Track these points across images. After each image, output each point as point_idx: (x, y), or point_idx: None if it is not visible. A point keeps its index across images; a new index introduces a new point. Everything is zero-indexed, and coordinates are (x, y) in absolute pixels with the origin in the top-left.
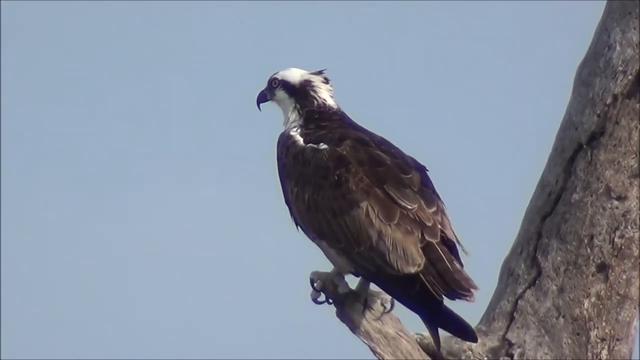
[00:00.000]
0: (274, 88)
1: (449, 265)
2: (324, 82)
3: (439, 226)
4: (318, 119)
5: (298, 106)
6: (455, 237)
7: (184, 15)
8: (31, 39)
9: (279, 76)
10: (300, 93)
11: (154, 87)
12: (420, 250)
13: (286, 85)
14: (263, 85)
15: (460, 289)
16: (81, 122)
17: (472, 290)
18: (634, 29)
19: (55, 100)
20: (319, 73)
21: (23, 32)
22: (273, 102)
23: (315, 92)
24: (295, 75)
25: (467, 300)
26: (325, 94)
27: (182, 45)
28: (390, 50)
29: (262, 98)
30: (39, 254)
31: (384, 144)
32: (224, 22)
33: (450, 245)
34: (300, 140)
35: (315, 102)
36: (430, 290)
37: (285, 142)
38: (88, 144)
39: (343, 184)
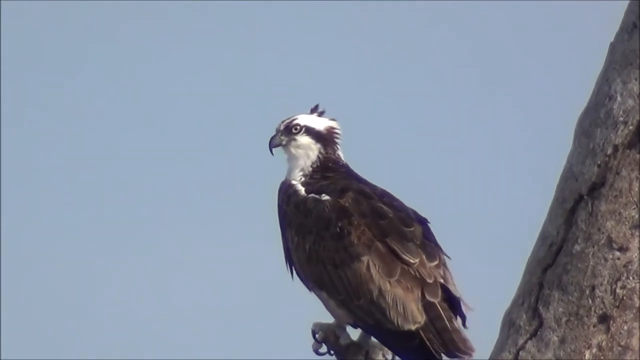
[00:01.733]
0: (294, 133)
1: (448, 325)
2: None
3: (441, 281)
4: (329, 168)
5: (322, 152)
6: (457, 291)
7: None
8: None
9: (301, 121)
10: (326, 139)
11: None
12: (420, 308)
13: (311, 131)
14: (267, 131)
15: (457, 350)
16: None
17: (469, 351)
18: (635, 79)
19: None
20: (334, 121)
21: (25, 35)
22: (285, 148)
23: (338, 138)
24: (316, 121)
25: (464, 359)
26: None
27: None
28: (388, 97)
29: (277, 143)
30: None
31: (385, 196)
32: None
33: (452, 301)
34: (302, 189)
35: (337, 150)
36: (429, 347)
37: (286, 190)
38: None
39: (345, 236)
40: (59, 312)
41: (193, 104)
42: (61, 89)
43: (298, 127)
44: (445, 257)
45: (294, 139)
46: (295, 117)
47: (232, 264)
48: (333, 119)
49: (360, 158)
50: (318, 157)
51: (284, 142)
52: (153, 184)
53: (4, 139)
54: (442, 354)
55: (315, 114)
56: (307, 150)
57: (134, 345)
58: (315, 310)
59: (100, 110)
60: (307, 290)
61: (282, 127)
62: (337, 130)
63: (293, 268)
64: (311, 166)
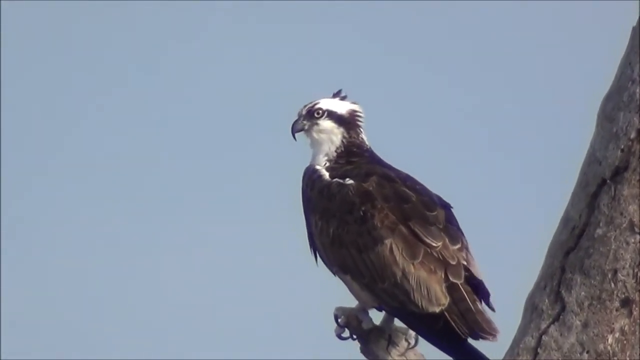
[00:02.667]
0: (317, 117)
1: (472, 306)
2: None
3: (464, 263)
4: (353, 153)
5: (346, 136)
6: (480, 274)
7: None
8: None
9: (324, 106)
10: (349, 123)
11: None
12: (444, 290)
13: (333, 115)
14: (288, 117)
15: (482, 331)
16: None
17: (493, 332)
18: None
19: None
20: (356, 104)
21: (27, 39)
22: (307, 133)
23: (361, 122)
24: (339, 104)
25: (489, 340)
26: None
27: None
28: (419, 89)
29: (300, 128)
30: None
31: (409, 181)
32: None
33: (474, 284)
34: (326, 174)
35: (361, 134)
36: (454, 327)
37: (310, 175)
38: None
39: (368, 220)
40: (71, 310)
41: (211, 96)
42: (64, 86)
43: (320, 112)
44: (467, 241)
45: (317, 124)
46: (317, 102)
47: (254, 247)
48: (355, 103)
49: (383, 143)
50: (342, 141)
51: (306, 127)
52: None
53: (6, 135)
54: (467, 335)
55: (338, 99)
56: (330, 135)
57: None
58: (338, 295)
59: (118, 102)
60: (331, 274)
61: (304, 112)
62: (359, 114)
63: (317, 253)
64: (335, 151)
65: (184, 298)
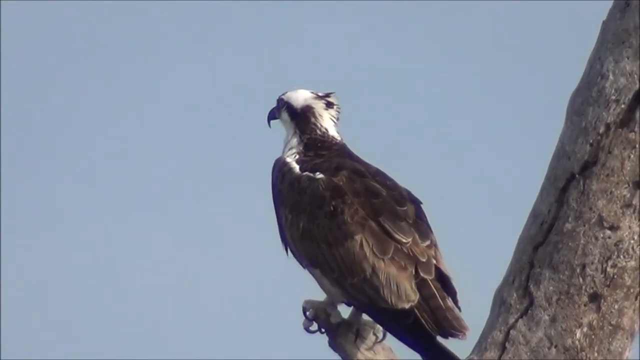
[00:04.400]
0: (280, 108)
1: (442, 303)
2: (326, 109)
3: (433, 261)
4: (319, 147)
5: (298, 131)
6: (448, 272)
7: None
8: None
9: (285, 97)
10: (301, 118)
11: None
12: (414, 286)
13: (289, 108)
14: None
15: (451, 328)
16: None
17: (463, 330)
18: (627, 58)
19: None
20: (325, 97)
21: (25, 34)
22: (280, 122)
23: (316, 119)
24: (299, 98)
25: (458, 338)
26: (327, 123)
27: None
28: (387, 80)
29: (272, 116)
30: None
31: (379, 175)
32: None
33: (444, 281)
34: (296, 167)
35: (317, 130)
36: (423, 324)
37: (281, 168)
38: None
39: (338, 215)
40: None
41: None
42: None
43: (282, 103)
44: (435, 238)
45: (281, 114)
46: (285, 92)
47: (222, 242)
48: (324, 95)
49: (361, 139)
50: (298, 135)
51: (277, 116)
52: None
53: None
54: (437, 333)
55: (315, 94)
56: (288, 127)
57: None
58: (307, 287)
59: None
60: (301, 267)
61: (276, 101)
62: (314, 110)
63: (287, 245)
64: (298, 144)
65: (187, 297)
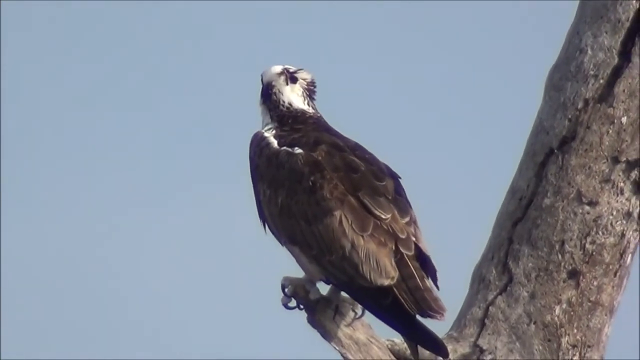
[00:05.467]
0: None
1: (420, 284)
2: (287, 84)
3: (413, 239)
4: (292, 122)
5: (267, 108)
6: (427, 250)
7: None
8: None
9: (262, 72)
10: (267, 95)
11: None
12: (394, 263)
13: (261, 83)
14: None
15: (430, 309)
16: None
17: (441, 311)
18: (606, 32)
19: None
20: (290, 72)
21: (25, 33)
22: None
23: (277, 95)
24: (267, 74)
25: (436, 319)
26: (289, 96)
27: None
28: (367, 60)
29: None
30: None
31: (358, 150)
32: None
33: (423, 259)
34: (275, 142)
35: (280, 106)
36: (402, 304)
37: (258, 142)
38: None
39: (317, 190)
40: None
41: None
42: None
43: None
44: (414, 214)
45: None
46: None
47: (192, 212)
48: (281, 73)
49: (339, 111)
50: (267, 111)
51: None
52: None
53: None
54: (415, 312)
55: (282, 70)
56: (260, 104)
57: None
58: (286, 264)
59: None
60: (279, 244)
61: None
62: (274, 84)
63: (265, 222)
64: (272, 120)
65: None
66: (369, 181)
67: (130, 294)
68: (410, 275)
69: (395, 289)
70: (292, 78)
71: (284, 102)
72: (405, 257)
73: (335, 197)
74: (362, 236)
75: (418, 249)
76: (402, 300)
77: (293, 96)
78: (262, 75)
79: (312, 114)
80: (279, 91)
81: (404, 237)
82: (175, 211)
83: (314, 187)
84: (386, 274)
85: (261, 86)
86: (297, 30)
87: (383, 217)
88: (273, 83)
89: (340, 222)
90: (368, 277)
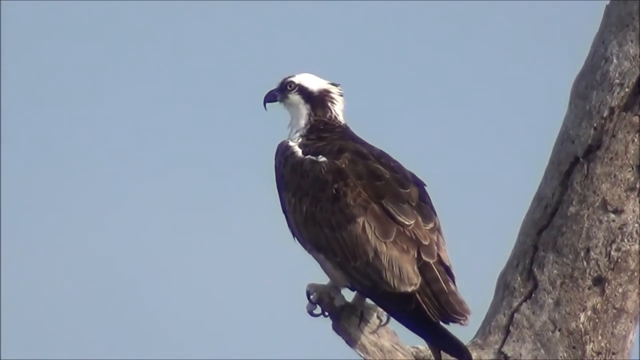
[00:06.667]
0: (288, 91)
1: (445, 287)
2: (340, 95)
3: (435, 246)
4: (322, 129)
5: (312, 113)
6: (448, 259)
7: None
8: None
9: (296, 80)
10: (317, 101)
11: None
12: (416, 270)
13: (303, 91)
14: (271, 86)
15: (454, 312)
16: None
17: (465, 314)
18: (631, 41)
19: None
20: (335, 85)
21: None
22: (281, 104)
23: (332, 103)
24: (314, 81)
25: (460, 324)
26: (338, 108)
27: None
28: (395, 64)
29: (272, 98)
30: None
31: (383, 157)
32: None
33: (445, 266)
34: (299, 151)
35: (329, 113)
36: (425, 311)
37: (283, 152)
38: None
39: (341, 198)
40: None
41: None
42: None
43: (292, 85)
44: (439, 221)
45: (287, 97)
46: (293, 75)
47: (227, 227)
48: (334, 84)
49: (367, 120)
50: (308, 117)
51: (278, 99)
52: None
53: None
54: (439, 319)
55: (328, 82)
56: (297, 110)
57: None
58: (312, 271)
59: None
60: (305, 251)
61: (279, 84)
62: (332, 94)
63: (292, 231)
64: (304, 127)
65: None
66: (392, 188)
67: (157, 296)
68: (434, 279)
69: (418, 295)
70: (341, 92)
71: (334, 111)
72: (430, 262)
73: (358, 204)
74: (385, 243)
75: (439, 258)
76: (425, 307)
77: (339, 108)
78: (300, 80)
79: (342, 124)
80: (336, 100)
81: (427, 243)
82: (201, 220)
83: (337, 195)
84: (409, 280)
85: (299, 89)
86: (319, 36)
87: (407, 223)
88: (330, 91)
89: (364, 228)
90: (391, 283)
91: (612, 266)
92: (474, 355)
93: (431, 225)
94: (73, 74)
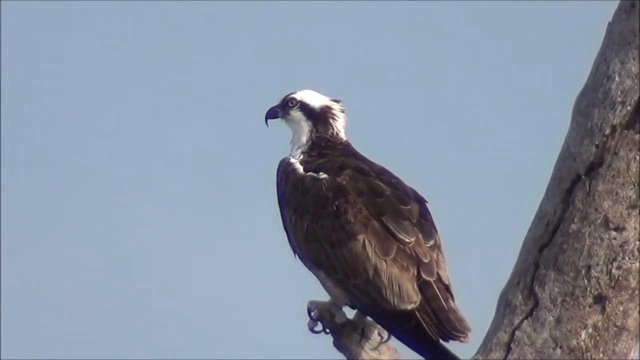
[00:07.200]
0: (289, 107)
1: (445, 305)
2: (341, 112)
3: (435, 264)
4: (324, 146)
5: (313, 130)
6: (447, 278)
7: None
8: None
9: (298, 96)
10: (319, 118)
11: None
12: (416, 288)
13: (304, 107)
14: (273, 102)
15: (454, 329)
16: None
17: (465, 331)
18: (633, 59)
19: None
20: (337, 102)
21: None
22: (283, 121)
23: (333, 119)
24: (315, 98)
25: (460, 341)
26: (340, 124)
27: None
28: (394, 84)
29: (273, 114)
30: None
31: (384, 174)
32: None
33: (445, 285)
34: (300, 168)
35: (330, 130)
36: (425, 329)
37: (285, 168)
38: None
39: (342, 215)
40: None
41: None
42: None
43: (294, 102)
44: (439, 238)
45: (288, 114)
46: (294, 92)
47: (231, 243)
48: (335, 100)
49: (368, 137)
50: (310, 134)
51: (279, 115)
52: None
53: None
54: (439, 337)
55: (329, 99)
56: (299, 126)
57: None
58: (313, 288)
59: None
60: (306, 268)
61: (281, 100)
62: (333, 111)
63: (293, 247)
64: (306, 143)
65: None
66: (393, 205)
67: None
68: (434, 297)
69: (418, 313)
70: (342, 109)
71: (336, 127)
72: (429, 280)
73: (359, 221)
74: (385, 260)
75: (438, 275)
76: (425, 325)
77: (341, 125)
78: (301, 97)
79: (343, 141)
80: (337, 117)
81: (427, 261)
82: (205, 236)
83: (338, 212)
84: (409, 298)
85: (300, 106)
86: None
87: (407, 240)
88: (332, 107)
89: (364, 246)
90: (391, 301)
91: (613, 284)
92: None
93: (432, 242)
94: (73, 75)
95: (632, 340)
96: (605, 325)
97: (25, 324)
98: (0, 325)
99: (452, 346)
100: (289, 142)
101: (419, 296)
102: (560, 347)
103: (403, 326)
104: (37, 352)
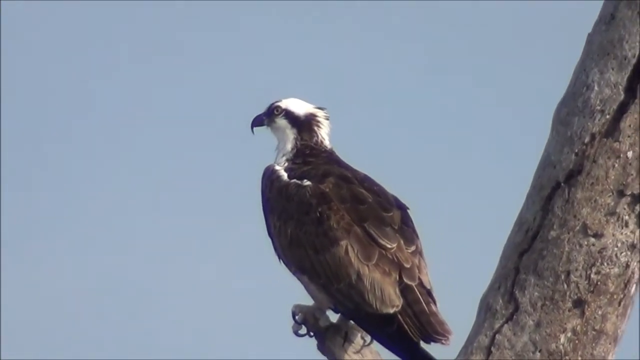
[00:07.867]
0: (274, 115)
1: (426, 308)
2: (326, 119)
3: (417, 269)
4: (308, 154)
5: (298, 138)
6: (429, 283)
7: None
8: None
9: (283, 104)
10: (303, 125)
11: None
12: (398, 292)
13: (289, 115)
14: (259, 109)
15: (436, 332)
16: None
17: (447, 334)
18: (612, 69)
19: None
20: (321, 109)
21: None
22: (268, 129)
23: (318, 127)
24: (300, 106)
25: (442, 344)
26: (324, 132)
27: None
28: (379, 88)
29: (259, 122)
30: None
31: (366, 181)
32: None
33: (426, 289)
34: (285, 175)
35: (315, 137)
36: (406, 331)
37: (269, 176)
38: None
39: (324, 221)
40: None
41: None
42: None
43: (279, 110)
44: (421, 244)
45: (274, 121)
46: (280, 100)
47: (215, 248)
48: (320, 108)
49: (350, 143)
50: (295, 141)
51: (265, 123)
52: None
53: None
54: (420, 340)
55: (314, 107)
56: (284, 134)
57: None
58: (298, 292)
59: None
60: (291, 273)
61: (266, 108)
62: (318, 119)
63: (277, 253)
64: (291, 151)
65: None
66: (375, 212)
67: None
68: (416, 300)
69: (400, 316)
70: (326, 116)
71: (320, 135)
72: (411, 284)
73: (341, 227)
74: (368, 265)
75: (420, 280)
76: (407, 327)
77: (325, 132)
78: (287, 104)
79: (328, 149)
80: (322, 125)
81: (408, 266)
82: (190, 240)
83: (321, 218)
84: (391, 302)
85: (285, 114)
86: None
87: (388, 246)
88: (317, 115)
89: (347, 251)
90: (373, 305)
91: (592, 289)
92: None
93: (413, 248)
94: (72, 75)
95: (610, 344)
96: (584, 329)
97: (25, 324)
98: (0, 325)
99: (433, 349)
100: (274, 150)
101: (401, 300)
102: (540, 351)
103: (385, 329)
104: (37, 352)
